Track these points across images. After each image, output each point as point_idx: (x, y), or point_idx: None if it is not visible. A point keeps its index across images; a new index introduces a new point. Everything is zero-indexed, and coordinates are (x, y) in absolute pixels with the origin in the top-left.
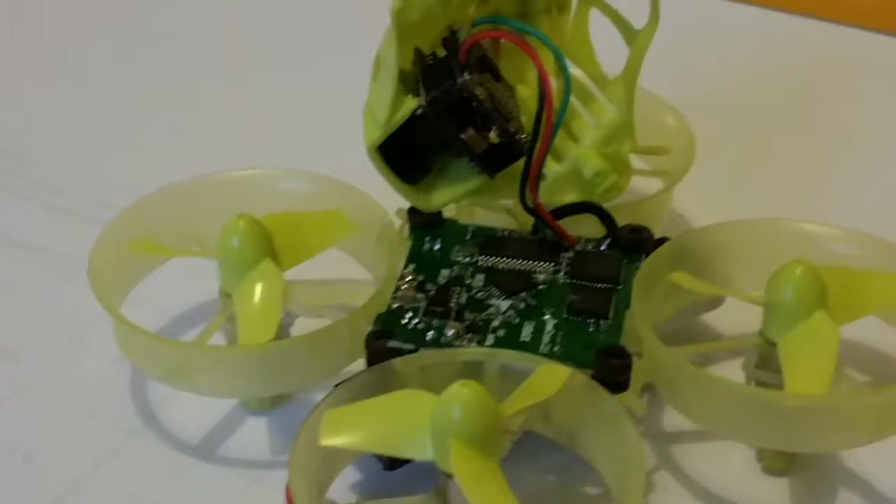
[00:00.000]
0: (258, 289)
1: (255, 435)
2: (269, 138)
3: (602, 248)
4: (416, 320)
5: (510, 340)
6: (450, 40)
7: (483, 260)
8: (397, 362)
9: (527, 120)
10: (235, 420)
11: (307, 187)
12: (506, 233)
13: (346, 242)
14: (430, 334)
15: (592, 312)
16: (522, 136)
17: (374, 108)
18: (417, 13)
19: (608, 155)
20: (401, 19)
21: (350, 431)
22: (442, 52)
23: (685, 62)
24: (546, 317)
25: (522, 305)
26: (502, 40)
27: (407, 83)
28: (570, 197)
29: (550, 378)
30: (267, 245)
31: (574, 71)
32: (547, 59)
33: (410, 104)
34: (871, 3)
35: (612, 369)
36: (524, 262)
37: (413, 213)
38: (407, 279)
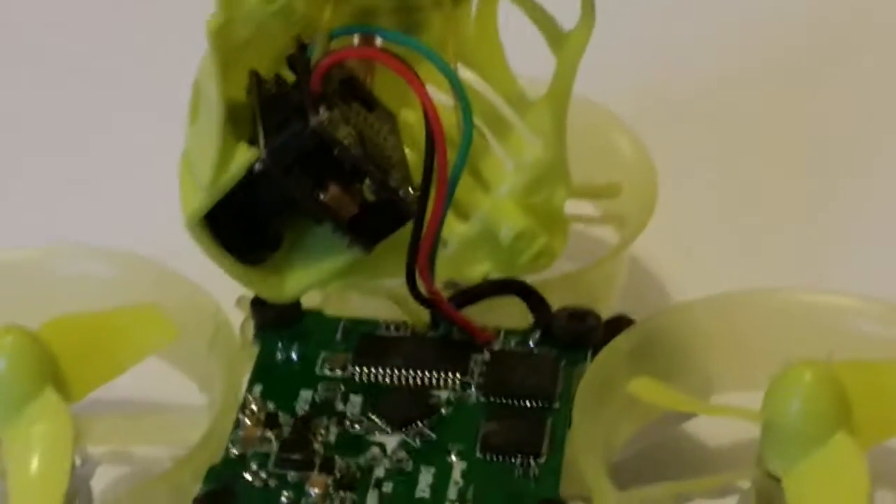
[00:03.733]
0: (35, 435)
1: None
2: (50, 203)
3: (531, 345)
4: (265, 474)
5: (401, 497)
6: (298, 60)
7: (360, 372)
8: None
9: (417, 159)
10: None
11: (107, 272)
12: (392, 329)
13: (167, 350)
14: (285, 496)
15: (518, 447)
16: (409, 192)
17: (193, 162)
18: (246, 28)
19: (534, 207)
20: (222, 40)
21: None
22: (289, 76)
23: (638, 68)
24: (452, 458)
25: (418, 442)
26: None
27: (239, 125)
28: (483, 269)
29: None
30: (47, 367)
31: (481, 88)
32: (438, 77)
33: (244, 156)
34: None
35: None
36: (419, 373)
37: (259, 305)
38: (251, 408)
